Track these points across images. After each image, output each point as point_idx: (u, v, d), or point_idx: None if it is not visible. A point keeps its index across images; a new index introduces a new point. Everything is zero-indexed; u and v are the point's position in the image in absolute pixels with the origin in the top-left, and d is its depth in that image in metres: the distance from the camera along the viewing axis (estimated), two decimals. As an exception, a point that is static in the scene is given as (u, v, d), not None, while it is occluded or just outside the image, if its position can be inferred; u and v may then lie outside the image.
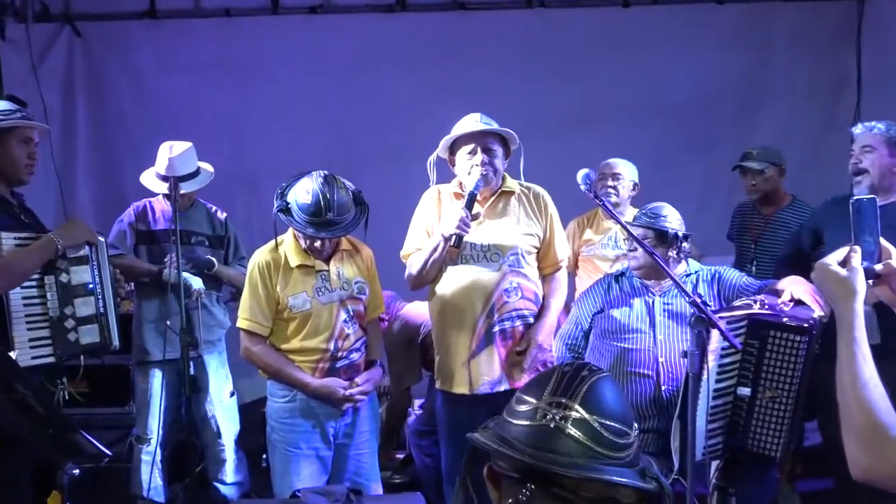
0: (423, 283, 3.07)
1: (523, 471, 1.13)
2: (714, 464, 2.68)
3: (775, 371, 2.61)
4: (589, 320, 3.10)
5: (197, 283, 3.59)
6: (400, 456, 4.37)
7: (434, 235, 2.99)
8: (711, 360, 2.54)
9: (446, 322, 3.01)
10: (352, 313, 2.97)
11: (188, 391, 3.41)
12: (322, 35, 5.13)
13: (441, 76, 5.02)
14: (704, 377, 2.47)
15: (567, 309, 3.82)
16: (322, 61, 5.13)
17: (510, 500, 1.14)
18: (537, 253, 3.07)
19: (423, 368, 3.98)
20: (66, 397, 2.85)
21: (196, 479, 3.70)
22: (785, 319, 2.62)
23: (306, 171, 2.89)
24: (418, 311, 3.91)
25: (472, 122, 3.00)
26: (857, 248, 1.41)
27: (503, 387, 2.97)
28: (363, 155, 5.09)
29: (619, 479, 1.12)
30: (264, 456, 3.56)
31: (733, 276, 3.05)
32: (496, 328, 2.96)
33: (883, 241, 1.46)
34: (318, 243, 2.88)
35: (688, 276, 3.06)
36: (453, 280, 3.00)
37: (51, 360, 2.71)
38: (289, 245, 2.94)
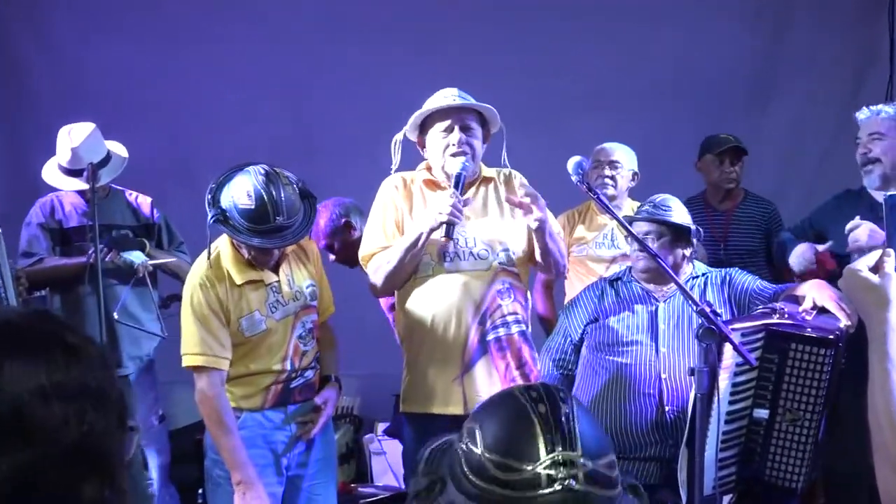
0: (394, 287, 3.00)
1: None
2: (726, 498, 2.69)
3: (797, 390, 2.62)
4: (580, 331, 3.09)
5: (138, 257, 3.51)
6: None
7: (410, 229, 2.91)
8: (723, 379, 2.54)
9: (427, 333, 2.94)
10: (308, 326, 2.93)
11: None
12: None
13: (416, 46, 4.99)
14: (715, 398, 2.46)
15: (547, 322, 3.82)
16: (274, 26, 5.07)
17: None
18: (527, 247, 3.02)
19: None
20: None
21: (119, 519, 3.64)
22: (807, 330, 2.62)
23: (240, 165, 2.77)
24: None
25: (448, 97, 2.96)
26: (891, 251, 1.41)
27: None
28: (322, 137, 5.06)
29: None
30: (200, 491, 3.51)
31: (746, 279, 3.06)
32: (490, 336, 2.91)
33: None
34: (262, 253, 2.80)
35: (694, 279, 3.05)
36: (435, 282, 2.93)
37: None
38: (227, 257, 2.83)
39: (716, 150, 4.17)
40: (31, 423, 0.91)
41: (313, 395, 2.97)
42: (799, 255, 3.29)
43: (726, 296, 3.00)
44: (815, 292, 2.78)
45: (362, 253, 3.04)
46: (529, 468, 1.12)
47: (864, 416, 1.33)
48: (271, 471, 2.89)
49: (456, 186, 2.84)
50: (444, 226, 2.78)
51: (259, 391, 2.87)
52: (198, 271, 2.83)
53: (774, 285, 3.05)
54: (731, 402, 2.62)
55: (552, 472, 1.11)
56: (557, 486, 1.11)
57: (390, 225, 2.99)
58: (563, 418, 1.15)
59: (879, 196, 3.05)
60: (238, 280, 2.81)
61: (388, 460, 4.42)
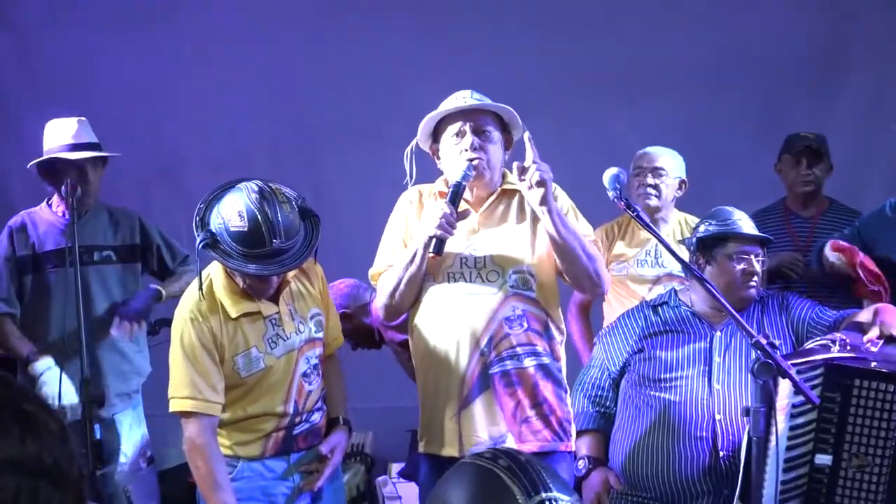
0: (400, 310, 3.03)
1: None
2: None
3: (863, 432, 2.66)
4: (620, 363, 3.13)
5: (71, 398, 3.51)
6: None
7: (411, 244, 2.94)
8: (781, 420, 2.58)
9: (430, 363, 2.97)
10: (313, 362, 2.94)
11: (92, 463, 3.40)
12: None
13: (425, 30, 5.07)
14: (773, 442, 2.50)
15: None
16: (269, 12, 5.15)
17: None
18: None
19: None
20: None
21: (104, 572, 3.72)
22: (873, 364, 2.66)
23: (231, 182, 2.77)
24: None
25: (461, 99, 2.97)
26: None
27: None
28: (323, 136, 5.14)
29: None
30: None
31: (804, 304, 3.10)
32: (495, 369, 2.89)
33: None
34: (259, 281, 2.79)
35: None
36: (437, 304, 2.95)
37: None
38: (220, 287, 2.82)
39: (793, 149, 4.15)
40: None
41: (319, 441, 2.97)
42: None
43: (784, 324, 3.04)
44: (882, 319, 2.82)
45: (371, 272, 3.09)
46: None
47: None
48: (271, 524, 2.91)
49: (453, 197, 2.84)
50: (434, 241, 2.81)
51: (258, 438, 2.86)
52: (188, 304, 2.81)
53: (835, 312, 3.07)
54: (788, 448, 2.66)
55: None
56: None
57: (398, 242, 3.04)
58: (527, 466, 1.29)
59: None
60: (233, 313, 2.79)
61: (403, 506, 4.40)
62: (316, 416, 2.97)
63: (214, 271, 2.85)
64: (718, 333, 3.03)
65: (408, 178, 3.10)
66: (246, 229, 2.66)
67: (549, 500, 1.25)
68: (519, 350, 2.90)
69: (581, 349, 3.97)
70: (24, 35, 5.17)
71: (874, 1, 5.19)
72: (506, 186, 3.03)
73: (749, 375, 2.58)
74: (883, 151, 5.05)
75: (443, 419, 2.94)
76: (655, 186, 3.86)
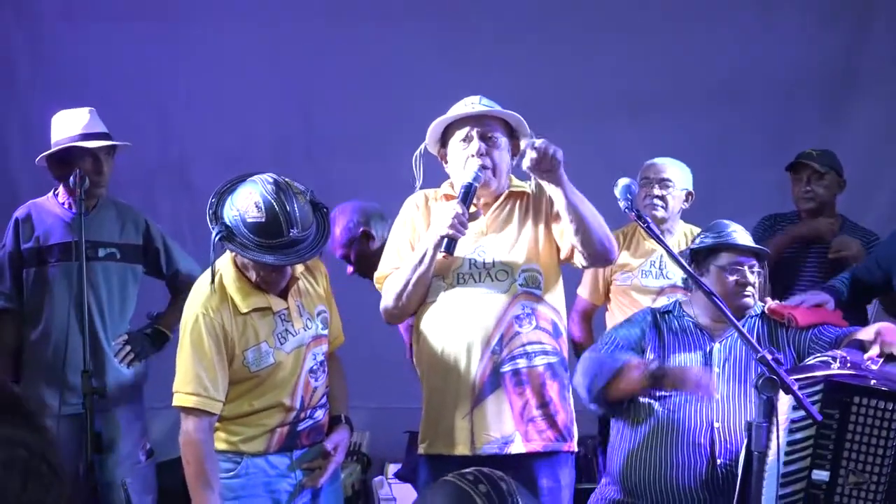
0: (405, 313, 3.08)
1: None
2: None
3: (860, 449, 2.68)
4: (638, 339, 3.11)
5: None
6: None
7: (418, 246, 2.99)
8: (779, 435, 2.60)
9: (438, 363, 3.00)
10: (319, 358, 2.97)
11: (91, 452, 3.41)
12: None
13: (436, 37, 5.11)
14: (772, 458, 2.53)
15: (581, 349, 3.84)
16: (279, 13, 5.19)
17: None
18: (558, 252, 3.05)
19: None
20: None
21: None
22: (873, 382, 2.69)
23: (242, 175, 2.81)
24: None
25: (469, 105, 3.03)
26: None
27: (515, 448, 2.94)
28: (332, 138, 5.17)
29: None
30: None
31: None
32: (506, 367, 2.94)
33: None
34: (273, 272, 2.83)
35: (752, 317, 3.13)
36: (446, 305, 3.00)
37: None
38: (230, 281, 2.85)
39: (795, 166, 4.10)
40: None
41: (322, 438, 3.00)
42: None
43: (786, 340, 3.06)
44: (883, 337, 2.85)
45: (376, 276, 3.13)
46: None
47: None
48: (271, 522, 2.94)
49: (464, 197, 2.89)
50: (445, 241, 2.86)
51: (263, 433, 2.89)
52: (199, 298, 2.84)
53: (837, 328, 3.08)
54: (786, 463, 2.68)
55: None
56: None
57: (405, 245, 3.08)
58: (507, 497, 1.31)
59: None
60: (243, 308, 2.82)
61: (398, 508, 4.41)
62: (319, 413, 3.00)
63: (223, 266, 2.88)
64: (717, 345, 3.06)
65: (417, 182, 3.14)
66: (264, 219, 2.70)
67: None
68: (529, 349, 2.96)
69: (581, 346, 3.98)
70: (36, 27, 5.18)
71: (886, 22, 5.22)
72: (513, 189, 3.09)
73: (748, 386, 2.62)
74: (894, 172, 5.06)
75: (453, 418, 2.97)
76: (662, 198, 3.90)
